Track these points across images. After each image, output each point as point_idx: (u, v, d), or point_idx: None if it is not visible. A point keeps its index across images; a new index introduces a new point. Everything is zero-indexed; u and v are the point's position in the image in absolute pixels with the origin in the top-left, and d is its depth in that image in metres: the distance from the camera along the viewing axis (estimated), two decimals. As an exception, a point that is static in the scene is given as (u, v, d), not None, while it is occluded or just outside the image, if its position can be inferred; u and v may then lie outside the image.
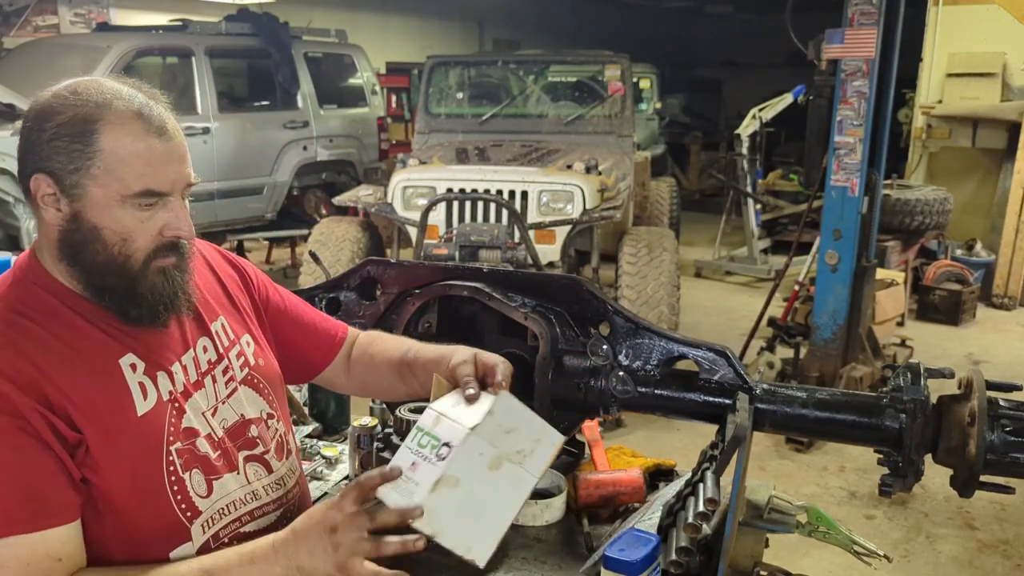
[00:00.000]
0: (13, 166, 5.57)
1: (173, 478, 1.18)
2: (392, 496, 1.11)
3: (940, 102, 8.26)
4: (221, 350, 1.31)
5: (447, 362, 1.32)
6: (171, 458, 1.18)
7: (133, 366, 1.18)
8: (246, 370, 1.34)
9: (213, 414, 1.26)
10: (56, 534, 1.07)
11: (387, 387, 1.55)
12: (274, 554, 1.11)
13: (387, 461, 1.62)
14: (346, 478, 1.87)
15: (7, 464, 1.05)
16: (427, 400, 1.29)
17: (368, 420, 1.81)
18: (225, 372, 1.30)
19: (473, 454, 1.13)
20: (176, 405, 1.21)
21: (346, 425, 2.06)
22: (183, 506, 1.18)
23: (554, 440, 1.21)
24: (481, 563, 1.15)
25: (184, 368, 1.24)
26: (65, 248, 1.15)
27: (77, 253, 1.15)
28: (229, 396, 1.30)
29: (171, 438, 1.19)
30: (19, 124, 5.18)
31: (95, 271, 1.15)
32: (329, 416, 2.21)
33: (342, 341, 1.57)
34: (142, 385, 1.18)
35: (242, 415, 1.31)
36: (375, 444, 1.74)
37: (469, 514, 1.14)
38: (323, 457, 1.97)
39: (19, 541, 1.04)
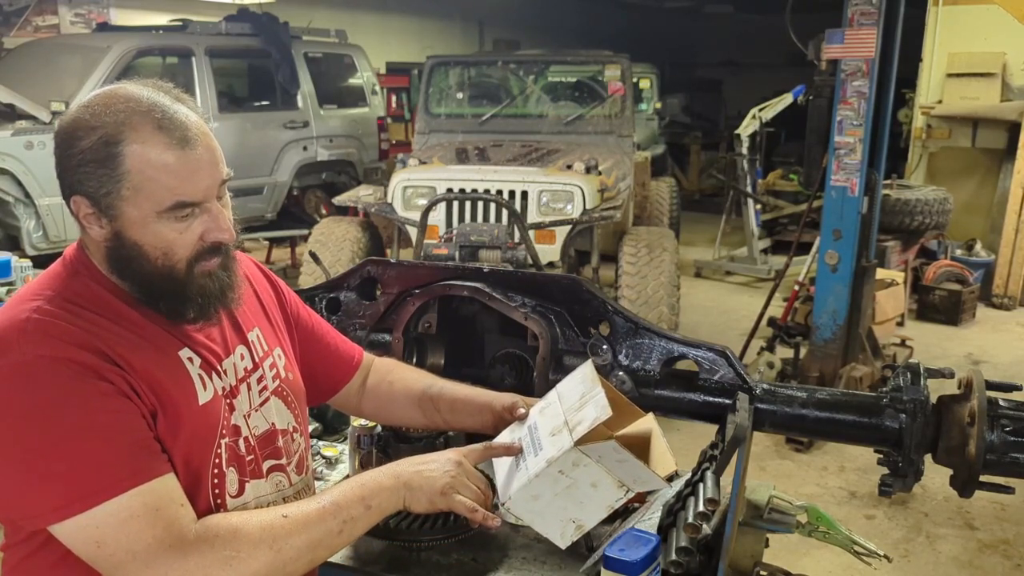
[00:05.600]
0: (13, 166, 5.64)
1: (216, 471, 1.21)
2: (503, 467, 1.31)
3: (940, 102, 8.26)
4: (256, 359, 1.34)
5: (481, 401, 1.49)
6: (219, 451, 1.21)
7: (190, 359, 1.21)
8: (277, 382, 1.36)
9: (247, 419, 1.29)
10: (170, 479, 1.11)
11: (403, 416, 1.59)
12: (381, 474, 1.26)
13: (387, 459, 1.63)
14: (345, 477, 1.87)
15: (111, 423, 1.08)
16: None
17: (368, 420, 1.81)
18: (259, 381, 1.33)
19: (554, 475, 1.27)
20: (228, 401, 1.25)
21: (346, 425, 2.05)
22: (218, 501, 1.21)
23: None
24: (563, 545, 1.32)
25: (225, 372, 1.27)
26: (113, 262, 1.18)
27: (124, 267, 1.17)
28: (262, 404, 1.32)
29: (223, 431, 1.22)
30: (19, 124, 5.15)
31: (144, 281, 1.18)
32: (329, 416, 2.21)
33: (358, 364, 1.60)
34: (201, 377, 1.21)
35: (273, 424, 1.33)
36: (374, 444, 1.74)
37: (560, 507, 1.28)
38: (323, 457, 1.97)
39: (143, 490, 1.07)
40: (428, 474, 1.26)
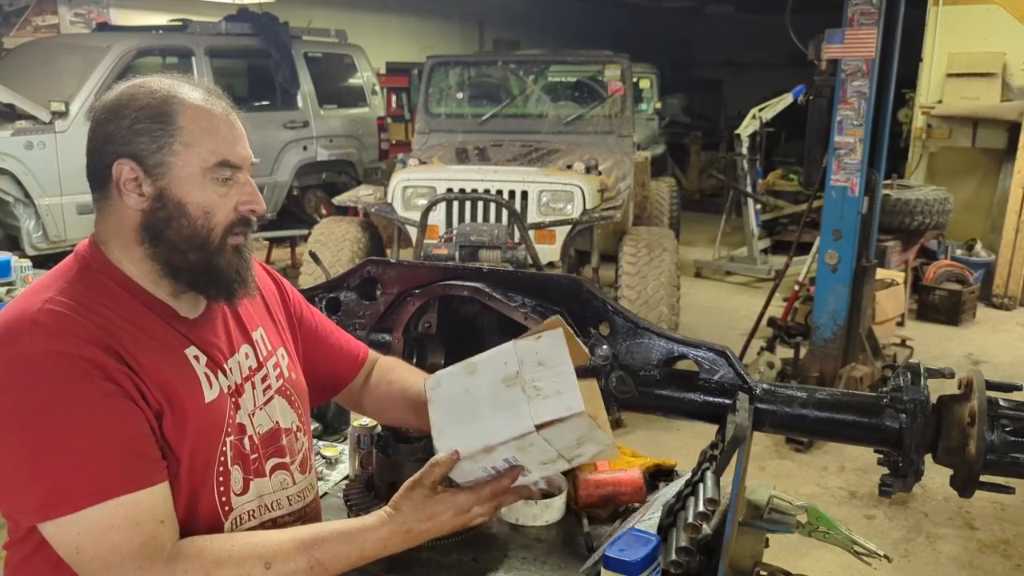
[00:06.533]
0: (13, 166, 5.64)
1: (221, 469, 1.21)
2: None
3: (940, 102, 8.26)
4: (261, 358, 1.34)
5: None
6: (224, 449, 1.22)
7: (197, 357, 1.23)
8: (281, 381, 1.37)
9: (252, 417, 1.29)
10: (159, 491, 1.11)
11: (398, 417, 1.58)
12: (381, 544, 1.18)
13: (387, 459, 1.61)
14: (345, 478, 1.87)
15: (109, 427, 1.08)
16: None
17: (368, 420, 1.81)
18: (264, 380, 1.34)
19: (498, 358, 1.22)
20: (233, 400, 1.26)
21: (346, 425, 2.05)
22: (223, 499, 1.21)
23: (571, 407, 1.15)
24: (439, 449, 1.21)
25: (230, 370, 1.28)
26: (148, 229, 1.20)
27: (161, 232, 1.19)
28: (266, 403, 1.33)
29: (229, 429, 1.23)
30: (19, 124, 5.14)
31: (178, 248, 1.20)
32: (329, 416, 2.21)
33: (363, 363, 1.61)
34: (207, 375, 1.22)
35: (277, 422, 1.34)
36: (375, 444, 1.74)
37: (463, 408, 1.21)
38: (323, 457, 1.97)
39: (127, 500, 1.07)
40: (436, 536, 1.21)
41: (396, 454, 1.62)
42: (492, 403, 1.18)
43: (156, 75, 1.25)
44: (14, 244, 5.82)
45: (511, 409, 1.16)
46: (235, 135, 1.23)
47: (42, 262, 5.08)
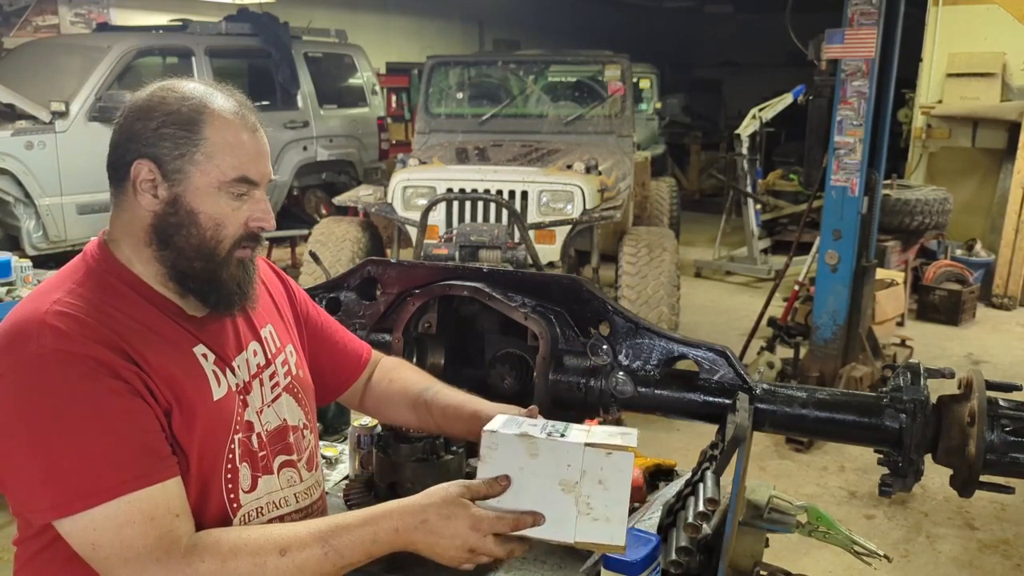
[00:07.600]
0: (13, 166, 5.64)
1: (229, 466, 1.22)
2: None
3: (940, 102, 8.25)
4: (269, 356, 1.35)
5: (470, 409, 1.43)
6: (232, 446, 1.23)
7: (205, 355, 1.23)
8: (288, 378, 1.38)
9: (260, 415, 1.30)
10: (172, 486, 1.12)
11: (398, 417, 1.59)
12: (395, 535, 1.16)
13: (387, 459, 1.61)
14: (345, 478, 1.87)
15: (119, 424, 1.09)
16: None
17: (368, 420, 1.81)
18: (272, 377, 1.34)
19: (562, 456, 1.18)
20: (241, 397, 1.27)
21: (346, 425, 2.06)
22: (231, 496, 1.22)
23: (614, 538, 1.17)
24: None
25: (238, 368, 1.29)
26: (158, 232, 1.20)
27: (170, 237, 1.20)
28: (274, 400, 1.34)
29: (237, 427, 1.24)
30: (19, 124, 5.13)
31: (185, 254, 1.21)
32: (329, 416, 2.21)
33: (366, 362, 1.61)
34: (215, 373, 1.23)
35: (284, 420, 1.34)
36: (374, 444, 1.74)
37: (513, 491, 1.18)
38: (323, 457, 1.97)
39: (140, 496, 1.08)
40: (441, 551, 1.17)
41: (396, 454, 1.62)
42: (542, 497, 1.18)
43: (192, 80, 1.25)
44: (14, 244, 5.83)
45: (558, 513, 1.17)
46: (259, 151, 1.24)
47: (42, 262, 5.08)
